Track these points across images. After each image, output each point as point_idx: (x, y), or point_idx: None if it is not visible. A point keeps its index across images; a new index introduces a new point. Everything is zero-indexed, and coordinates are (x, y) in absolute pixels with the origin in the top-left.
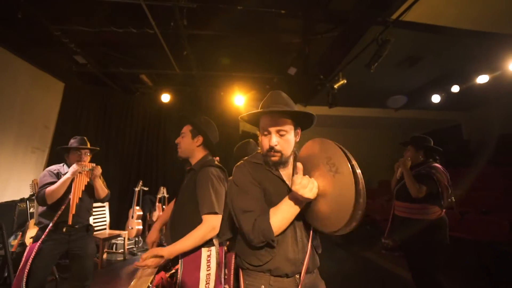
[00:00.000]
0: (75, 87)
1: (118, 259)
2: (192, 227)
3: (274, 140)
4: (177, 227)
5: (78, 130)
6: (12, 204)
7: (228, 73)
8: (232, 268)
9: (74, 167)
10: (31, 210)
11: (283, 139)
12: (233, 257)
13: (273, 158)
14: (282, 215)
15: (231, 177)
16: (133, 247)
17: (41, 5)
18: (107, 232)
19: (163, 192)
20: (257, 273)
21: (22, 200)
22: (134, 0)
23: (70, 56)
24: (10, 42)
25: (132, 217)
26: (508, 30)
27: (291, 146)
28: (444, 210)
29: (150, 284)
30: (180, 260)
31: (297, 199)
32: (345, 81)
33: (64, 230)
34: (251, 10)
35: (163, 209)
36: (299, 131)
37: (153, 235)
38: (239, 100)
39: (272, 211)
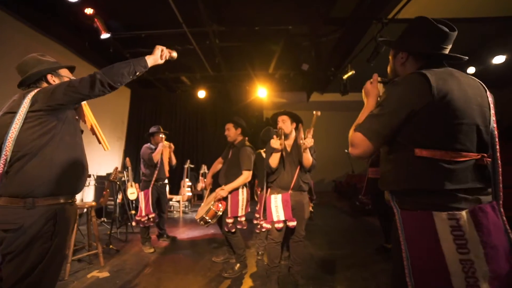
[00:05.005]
0: (137, 91)
1: (175, 216)
2: (237, 176)
3: (280, 124)
4: (229, 177)
5: (140, 123)
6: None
7: (251, 71)
8: (262, 201)
9: (161, 143)
10: (127, 178)
11: (285, 125)
12: (262, 194)
13: (279, 133)
14: (272, 157)
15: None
16: (184, 209)
17: (122, 38)
18: (168, 196)
19: (204, 169)
20: (274, 187)
21: (120, 172)
22: (182, 29)
23: None
24: (101, 64)
25: (183, 186)
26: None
27: (288, 129)
28: None
29: (212, 205)
30: (229, 194)
31: (274, 149)
32: (354, 72)
33: (159, 183)
34: (265, 28)
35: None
36: (294, 123)
37: (208, 180)
38: (262, 92)
39: (270, 156)
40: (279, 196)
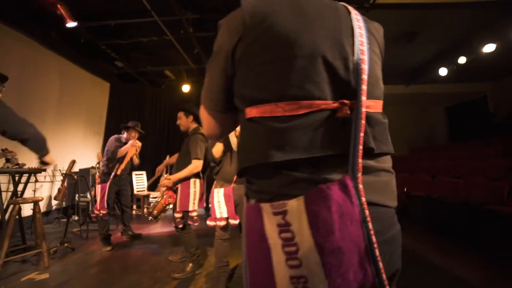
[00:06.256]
0: (117, 86)
1: None
2: (186, 165)
3: None
4: (180, 166)
5: (121, 118)
6: (87, 170)
7: None
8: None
9: (132, 142)
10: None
11: None
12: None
13: None
14: (216, 146)
15: None
16: None
17: (94, 29)
18: (146, 192)
19: None
20: (218, 179)
21: (93, 167)
22: (152, 18)
23: (112, 62)
24: (74, 57)
25: None
26: None
27: None
28: None
29: (160, 199)
30: (179, 184)
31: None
32: None
33: (117, 177)
34: None
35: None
36: None
37: (161, 168)
38: None
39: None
40: (221, 190)
